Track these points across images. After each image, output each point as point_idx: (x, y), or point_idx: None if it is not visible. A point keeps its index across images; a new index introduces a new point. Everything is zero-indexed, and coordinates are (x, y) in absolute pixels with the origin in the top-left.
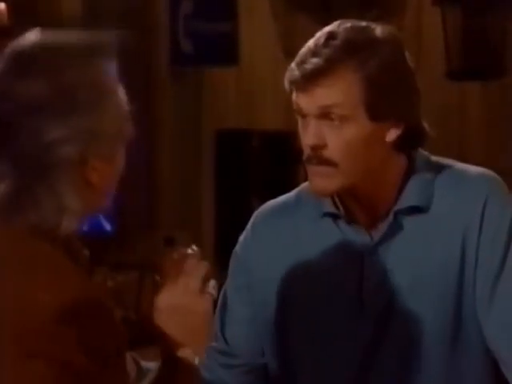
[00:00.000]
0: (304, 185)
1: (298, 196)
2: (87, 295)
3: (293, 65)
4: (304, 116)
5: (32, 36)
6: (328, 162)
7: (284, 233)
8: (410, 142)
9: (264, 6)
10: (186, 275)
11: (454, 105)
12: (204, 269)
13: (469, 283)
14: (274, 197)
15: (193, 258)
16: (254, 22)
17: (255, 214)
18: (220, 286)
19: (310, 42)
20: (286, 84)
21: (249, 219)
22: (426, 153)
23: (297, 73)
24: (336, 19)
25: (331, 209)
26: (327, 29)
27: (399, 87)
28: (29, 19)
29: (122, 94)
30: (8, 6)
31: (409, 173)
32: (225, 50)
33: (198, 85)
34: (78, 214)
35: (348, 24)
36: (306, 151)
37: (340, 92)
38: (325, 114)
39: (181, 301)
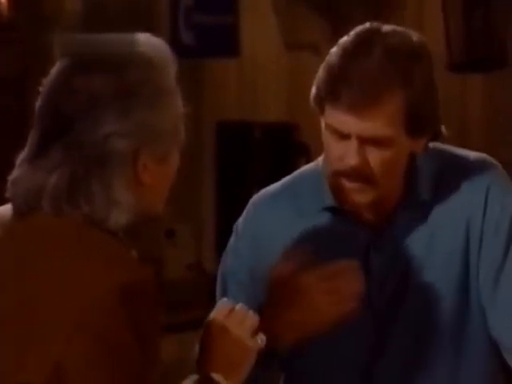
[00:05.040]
0: (297, 174)
1: (294, 187)
2: (142, 278)
3: (327, 76)
4: (341, 135)
5: (101, 37)
6: (367, 180)
7: (285, 219)
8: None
9: None
10: (242, 311)
11: (455, 97)
12: (255, 318)
13: (474, 273)
14: None
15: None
16: (255, 13)
17: (252, 200)
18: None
19: (347, 44)
20: (318, 97)
21: None
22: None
23: (336, 89)
24: (337, 12)
25: (334, 203)
26: (362, 34)
27: (433, 99)
28: (31, 13)
29: (179, 96)
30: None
31: (413, 162)
32: (226, 42)
33: (200, 77)
34: (127, 210)
35: (384, 28)
36: (336, 166)
37: (385, 125)
38: (368, 140)
39: (234, 329)
